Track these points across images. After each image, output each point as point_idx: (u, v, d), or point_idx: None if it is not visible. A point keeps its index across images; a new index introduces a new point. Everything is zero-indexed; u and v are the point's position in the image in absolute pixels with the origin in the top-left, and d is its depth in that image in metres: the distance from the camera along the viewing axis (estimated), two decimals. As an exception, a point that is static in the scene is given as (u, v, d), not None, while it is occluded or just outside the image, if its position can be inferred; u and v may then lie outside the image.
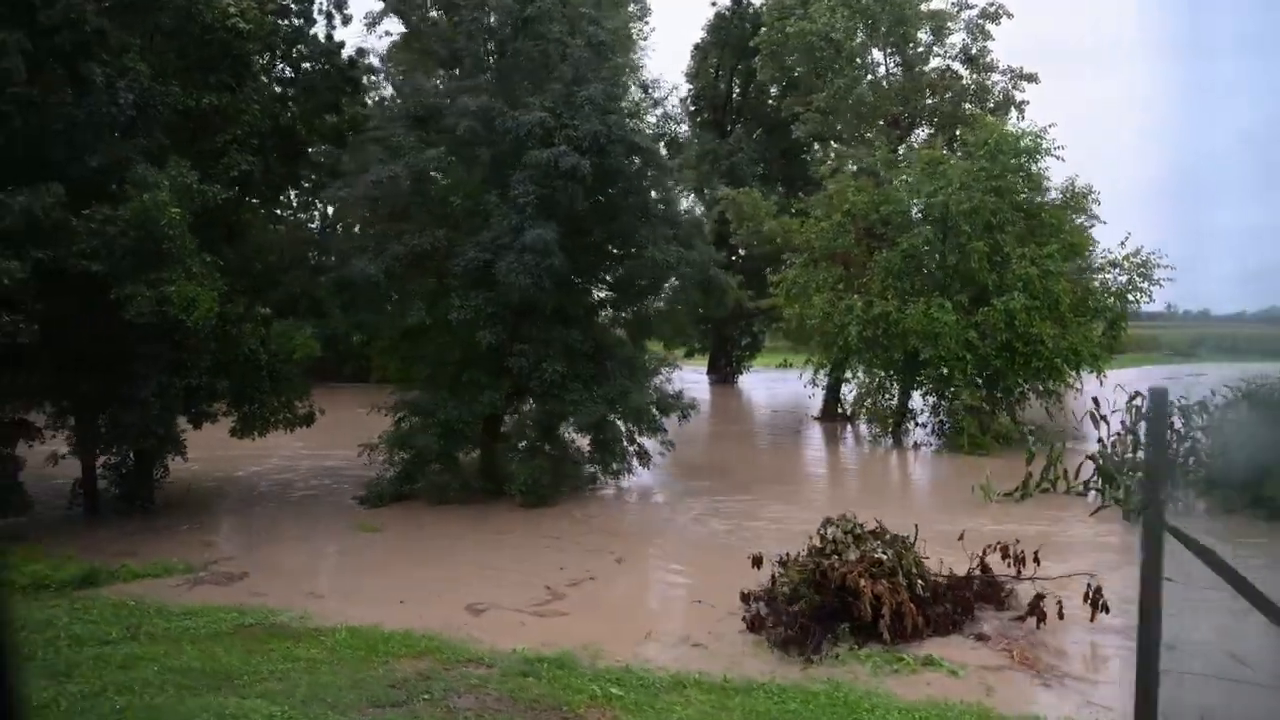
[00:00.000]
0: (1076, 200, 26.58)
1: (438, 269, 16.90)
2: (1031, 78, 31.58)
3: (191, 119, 15.48)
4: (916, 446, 26.32)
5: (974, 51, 30.52)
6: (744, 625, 10.22)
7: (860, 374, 27.54)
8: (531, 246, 14.58)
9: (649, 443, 18.19)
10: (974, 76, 31.19)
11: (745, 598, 10.94)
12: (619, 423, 17.16)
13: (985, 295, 25.02)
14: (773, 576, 11.11)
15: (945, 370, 25.09)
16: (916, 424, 27.57)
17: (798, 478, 22.62)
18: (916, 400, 28.06)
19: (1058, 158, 25.47)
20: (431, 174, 15.86)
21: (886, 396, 27.50)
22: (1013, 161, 25.85)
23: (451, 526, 15.66)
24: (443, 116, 16.97)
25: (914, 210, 26.38)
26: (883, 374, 26.78)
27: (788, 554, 11.18)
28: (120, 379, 14.14)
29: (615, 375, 16.86)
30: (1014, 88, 31.29)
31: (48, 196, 12.36)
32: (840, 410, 31.49)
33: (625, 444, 18.07)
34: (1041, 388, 25.74)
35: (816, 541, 10.91)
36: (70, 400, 14.88)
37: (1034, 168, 26.01)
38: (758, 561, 11.47)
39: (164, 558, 13.12)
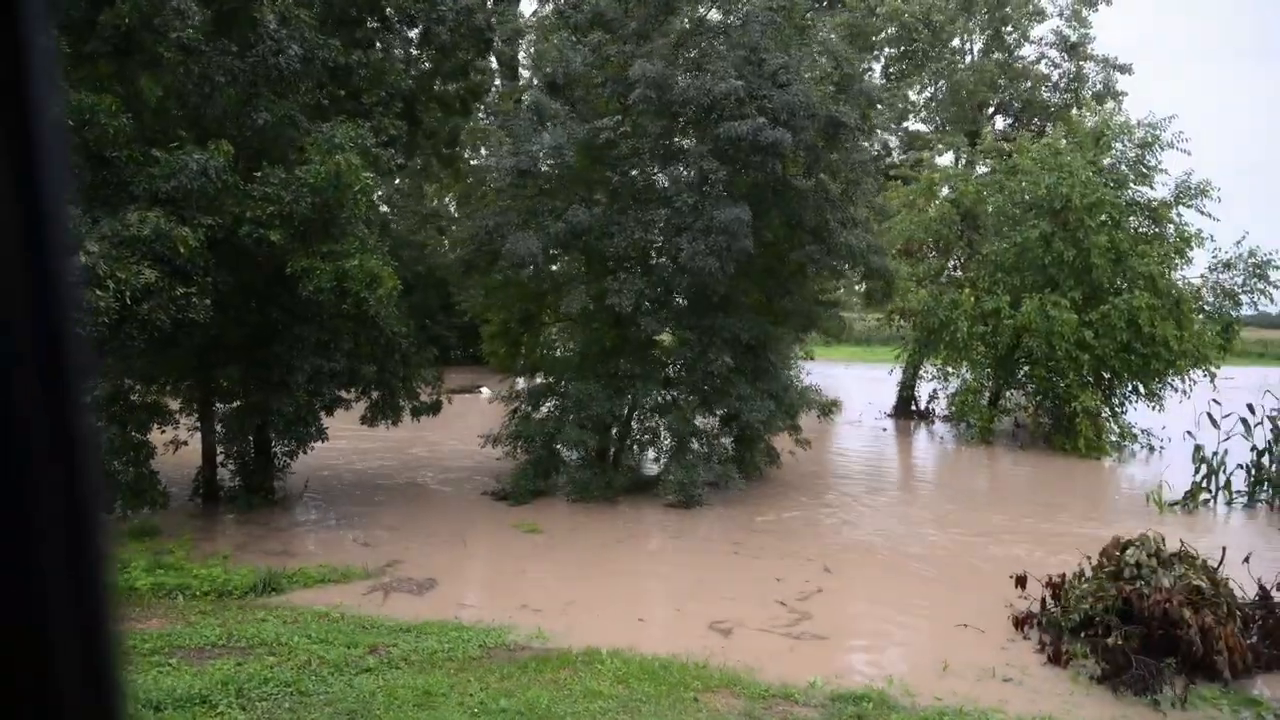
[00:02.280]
0: (1191, 196, 25.54)
1: (585, 248, 15.65)
2: (1126, 69, 30.59)
3: (338, 77, 14.12)
4: (1022, 447, 25.41)
5: (1074, 38, 29.41)
6: (1045, 657, 9.16)
7: (962, 372, 26.43)
8: (724, 227, 13.35)
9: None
10: (1070, 65, 30.11)
11: (1020, 623, 9.92)
12: (777, 420, 16.02)
13: (1098, 293, 24.07)
14: (1044, 600, 10.10)
15: (1056, 370, 24.11)
16: (1017, 424, 26.64)
17: (918, 479, 21.63)
18: (1004, 399, 27.19)
19: (1184, 151, 24.41)
20: (598, 143, 14.49)
21: (982, 395, 26.52)
22: (1131, 154, 24.88)
23: (608, 528, 14.49)
24: (592, 84, 15.70)
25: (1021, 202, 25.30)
26: (988, 371, 25.76)
27: (1060, 576, 10.15)
28: (268, 361, 12.86)
29: (774, 370, 15.71)
30: (1108, 78, 30.25)
31: (218, 155, 11.04)
32: (915, 407, 30.56)
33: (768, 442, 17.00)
34: (1144, 390, 24.87)
35: (1101, 563, 9.88)
36: (210, 383, 13.56)
37: (1152, 160, 24.96)
38: (1021, 582, 10.46)
39: (326, 560, 11.93)
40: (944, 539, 14.01)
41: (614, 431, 15.93)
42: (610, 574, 12.03)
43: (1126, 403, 25.26)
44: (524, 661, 8.35)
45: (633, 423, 16.43)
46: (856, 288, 21.87)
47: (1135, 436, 24.50)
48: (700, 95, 13.76)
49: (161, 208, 10.87)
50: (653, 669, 8.26)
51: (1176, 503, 17.01)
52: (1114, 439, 24.31)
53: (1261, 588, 10.32)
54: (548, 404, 15.96)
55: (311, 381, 12.96)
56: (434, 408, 16.55)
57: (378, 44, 14.99)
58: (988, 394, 26.55)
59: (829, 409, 17.73)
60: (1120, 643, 8.75)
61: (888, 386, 31.16)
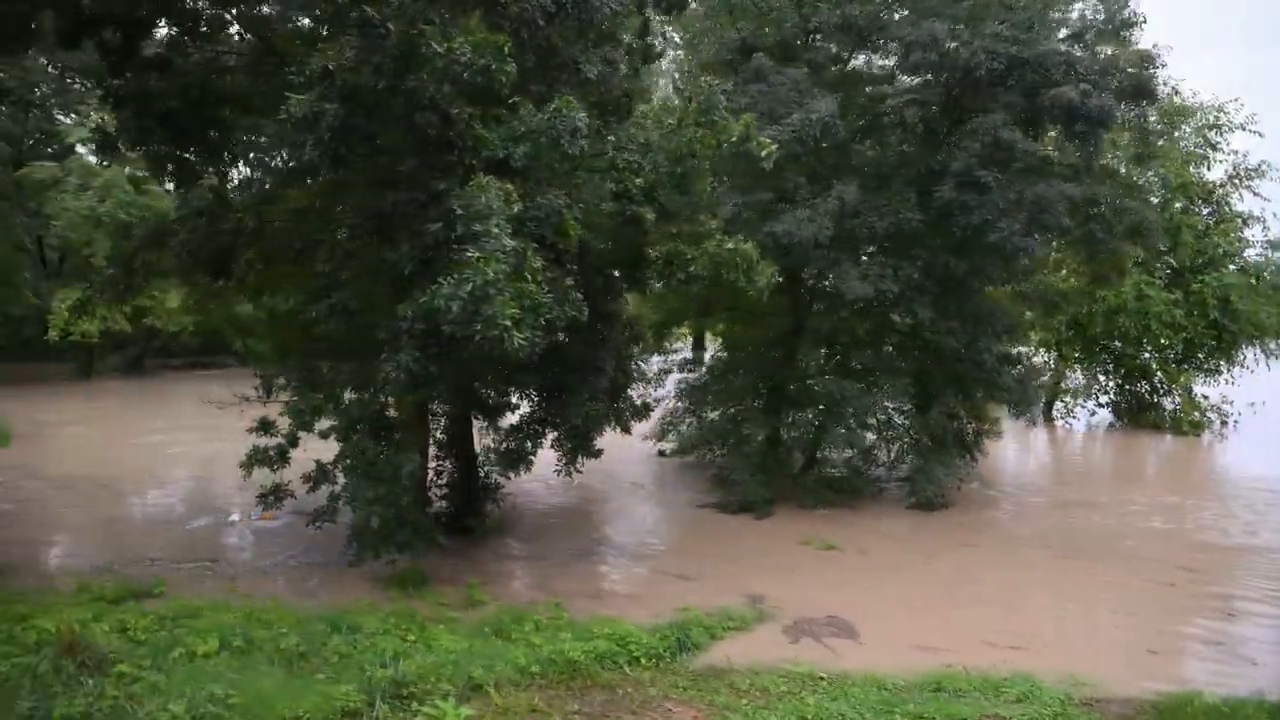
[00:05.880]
0: (1248, 177, 26.31)
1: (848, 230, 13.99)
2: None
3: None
4: (1102, 427, 25.64)
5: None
6: None
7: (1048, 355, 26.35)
8: (1042, 204, 12.13)
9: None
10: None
11: None
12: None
13: (1183, 273, 24.48)
14: None
15: (1154, 348, 24.39)
16: (1095, 404, 26.87)
17: (1058, 470, 21.25)
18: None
19: (1256, 133, 25.01)
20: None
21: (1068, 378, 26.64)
22: (1200, 136, 25.39)
23: (899, 540, 13.11)
24: (815, 49, 14.12)
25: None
26: (1076, 352, 25.79)
27: None
28: (570, 364, 10.73)
29: (1020, 359, 14.72)
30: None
31: (571, 110, 8.86)
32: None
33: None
34: (1226, 366, 25.55)
35: None
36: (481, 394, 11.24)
37: (1219, 141, 25.54)
38: None
39: (640, 596, 10.20)
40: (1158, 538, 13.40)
41: (874, 431, 14.48)
42: (995, 593, 10.70)
43: (1207, 379, 25.88)
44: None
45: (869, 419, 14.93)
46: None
47: (1218, 411, 25.16)
48: (991, 59, 12.45)
49: (509, 180, 8.65)
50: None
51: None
52: (1200, 415, 24.83)
53: None
54: (739, 403, 14.43)
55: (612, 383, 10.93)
56: (645, 409, 14.60)
57: None
58: (1070, 377, 26.69)
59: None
60: None
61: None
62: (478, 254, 7.33)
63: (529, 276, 7.44)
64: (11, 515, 13.33)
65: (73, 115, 34.17)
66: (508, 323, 6.95)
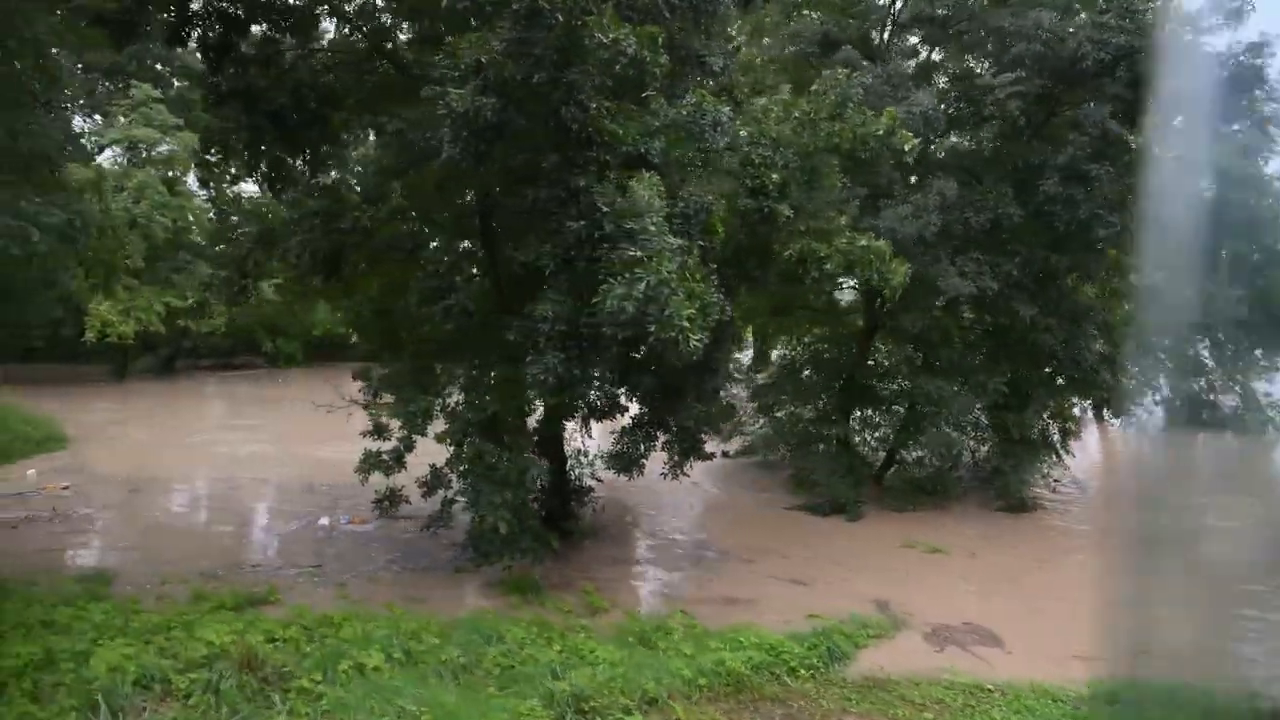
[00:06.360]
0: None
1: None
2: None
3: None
4: (1158, 426, 25.33)
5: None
6: None
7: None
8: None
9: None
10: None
11: None
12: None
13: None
14: None
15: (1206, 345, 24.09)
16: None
17: (1139, 470, 20.92)
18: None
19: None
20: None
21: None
22: None
23: (1005, 541, 12.89)
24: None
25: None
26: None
27: None
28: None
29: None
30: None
31: (709, 101, 8.61)
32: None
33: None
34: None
35: None
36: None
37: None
38: None
39: (765, 601, 9.94)
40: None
41: (963, 431, 14.25)
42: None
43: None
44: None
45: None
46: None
47: None
48: (1099, 49, 12.20)
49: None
50: None
51: None
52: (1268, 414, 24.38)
53: None
54: (810, 402, 14.17)
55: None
56: (730, 411, 14.39)
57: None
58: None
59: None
60: None
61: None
62: (640, 252, 7.09)
63: (692, 275, 7.20)
64: (91, 520, 13.10)
65: (96, 117, 33.89)
66: (685, 323, 6.71)
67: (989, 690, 7.60)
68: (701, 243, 8.30)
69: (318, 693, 6.18)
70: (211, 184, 34.69)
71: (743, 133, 8.94)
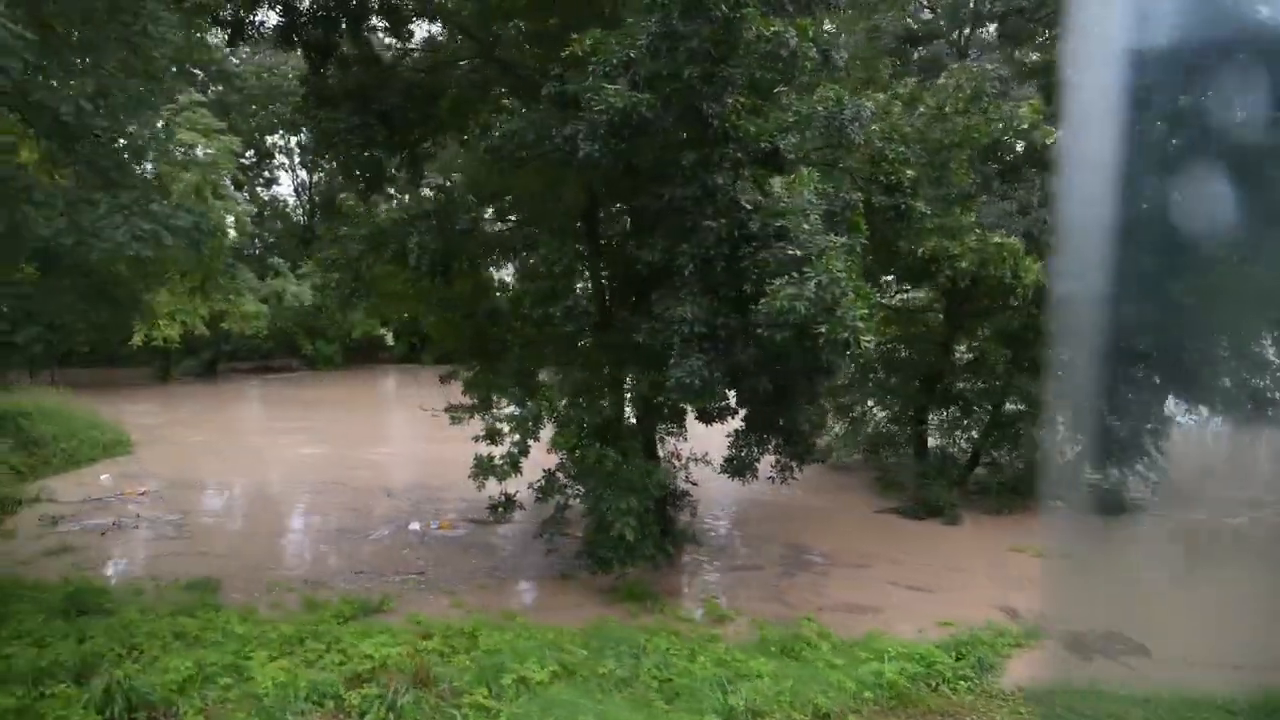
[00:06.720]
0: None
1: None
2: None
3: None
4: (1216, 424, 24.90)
5: None
6: None
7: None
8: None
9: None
10: None
11: None
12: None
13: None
14: None
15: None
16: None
17: (1220, 469, 20.58)
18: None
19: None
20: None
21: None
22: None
23: (1085, 542, 12.52)
24: None
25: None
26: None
27: None
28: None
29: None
30: None
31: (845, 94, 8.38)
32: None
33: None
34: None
35: None
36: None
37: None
38: None
39: (888, 609, 9.66)
40: None
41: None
42: (1264, 605, 10.14)
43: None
44: None
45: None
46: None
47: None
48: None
49: (775, 172, 8.20)
50: None
51: None
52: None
53: None
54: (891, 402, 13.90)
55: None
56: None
57: None
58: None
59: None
60: None
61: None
62: (800, 251, 6.86)
63: (855, 274, 6.96)
64: (177, 525, 12.97)
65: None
66: (859, 324, 6.47)
67: (1148, 702, 7.32)
68: (847, 241, 8.08)
69: (490, 709, 5.98)
70: (245, 187, 34.72)
71: (874, 127, 8.70)
